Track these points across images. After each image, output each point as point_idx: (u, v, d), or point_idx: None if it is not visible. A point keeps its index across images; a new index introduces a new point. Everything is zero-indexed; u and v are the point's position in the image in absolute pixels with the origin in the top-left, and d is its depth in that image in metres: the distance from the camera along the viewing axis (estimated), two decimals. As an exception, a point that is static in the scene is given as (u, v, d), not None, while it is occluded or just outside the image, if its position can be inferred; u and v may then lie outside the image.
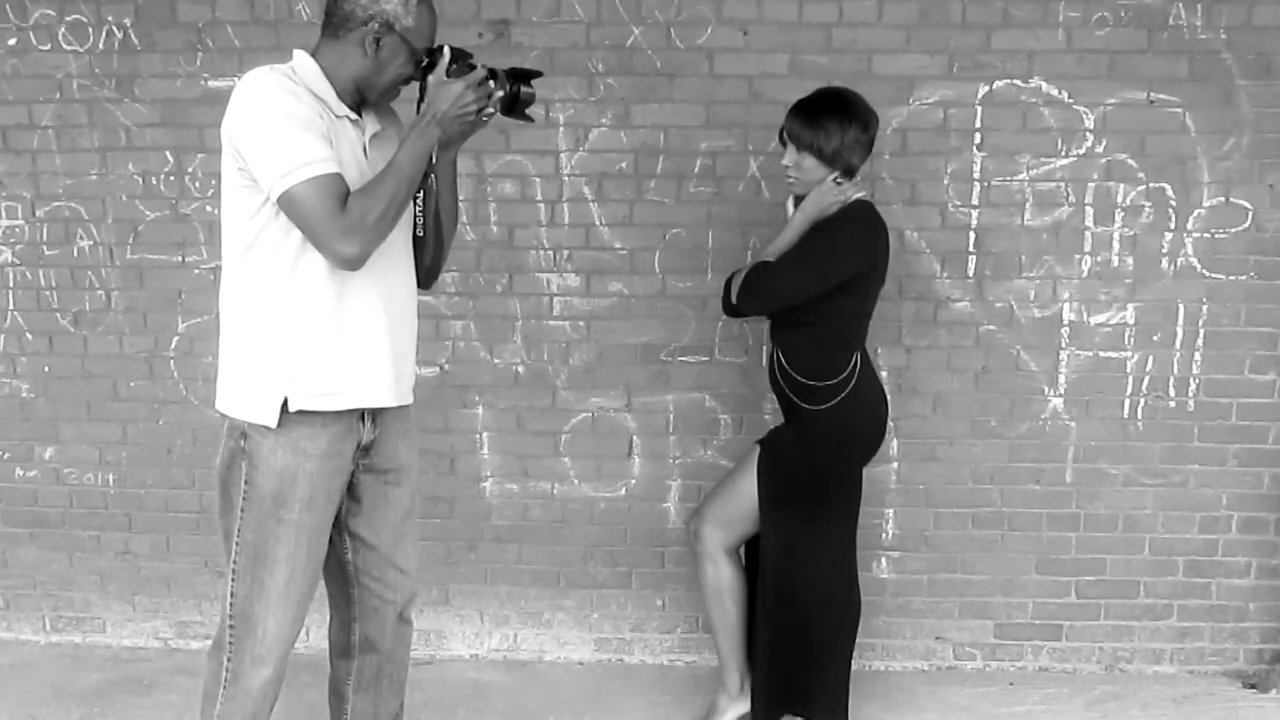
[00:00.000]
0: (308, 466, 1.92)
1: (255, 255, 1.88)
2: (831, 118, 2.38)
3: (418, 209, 2.03)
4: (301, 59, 1.91)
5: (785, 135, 2.45)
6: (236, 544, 1.95)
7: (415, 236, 2.06)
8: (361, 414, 2.00)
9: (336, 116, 1.90)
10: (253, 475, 1.91)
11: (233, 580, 1.97)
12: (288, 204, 1.79)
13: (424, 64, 1.91)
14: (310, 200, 1.78)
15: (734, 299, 2.49)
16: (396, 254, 2.01)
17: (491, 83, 1.90)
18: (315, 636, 2.85)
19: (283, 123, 1.79)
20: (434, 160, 1.97)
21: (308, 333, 1.90)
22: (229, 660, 1.98)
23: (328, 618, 2.23)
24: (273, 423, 1.89)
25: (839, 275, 2.39)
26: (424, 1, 1.90)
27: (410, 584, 2.19)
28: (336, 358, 1.92)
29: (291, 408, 1.89)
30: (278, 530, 1.92)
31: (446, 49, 1.90)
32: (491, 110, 1.92)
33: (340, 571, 2.14)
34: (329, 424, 1.94)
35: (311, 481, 1.93)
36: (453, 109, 1.85)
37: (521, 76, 1.96)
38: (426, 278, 2.15)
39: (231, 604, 1.97)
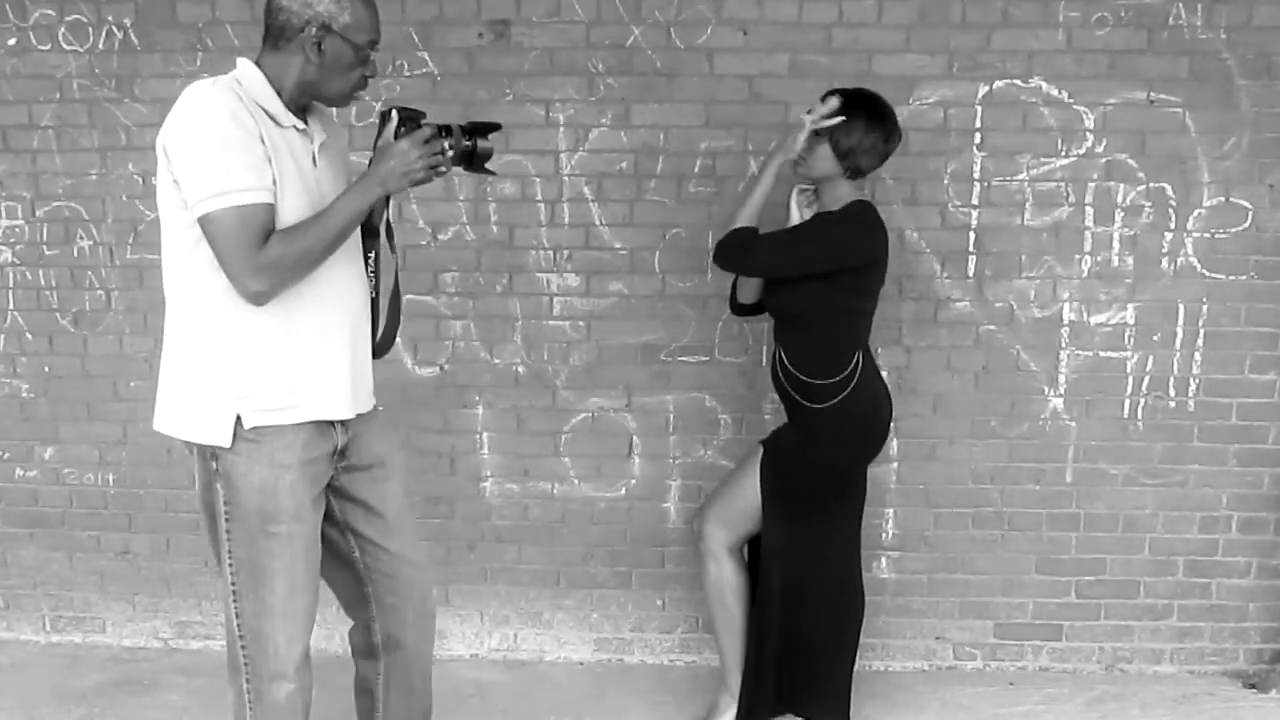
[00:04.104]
0: (287, 478, 1.88)
1: (195, 268, 1.84)
2: (860, 116, 2.39)
3: (369, 269, 2.03)
4: (246, 69, 1.87)
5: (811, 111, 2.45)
6: (231, 565, 1.92)
7: (371, 298, 2.05)
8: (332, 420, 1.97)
9: (283, 127, 1.86)
10: (232, 495, 1.88)
11: (235, 601, 1.94)
12: (206, 227, 1.76)
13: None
14: (228, 228, 1.75)
15: (714, 255, 2.49)
16: (356, 261, 2.00)
17: (446, 140, 1.87)
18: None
19: (215, 146, 1.75)
20: (388, 217, 1.95)
21: (256, 347, 1.86)
22: (248, 681, 1.97)
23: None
24: (227, 442, 1.85)
25: (819, 264, 2.39)
26: None
27: (423, 575, 2.17)
28: (287, 371, 1.88)
29: (246, 424, 1.85)
30: (269, 545, 1.89)
31: (394, 112, 1.87)
32: (443, 170, 1.90)
33: (349, 572, 2.12)
34: (299, 432, 1.90)
35: (294, 492, 1.89)
36: (399, 166, 1.83)
37: (479, 130, 1.93)
38: (380, 347, 2.10)
39: (239, 624, 1.95)
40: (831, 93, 2.43)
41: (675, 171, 2.99)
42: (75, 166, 3.08)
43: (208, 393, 1.87)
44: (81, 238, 3.12)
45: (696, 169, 2.99)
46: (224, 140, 1.75)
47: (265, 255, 1.77)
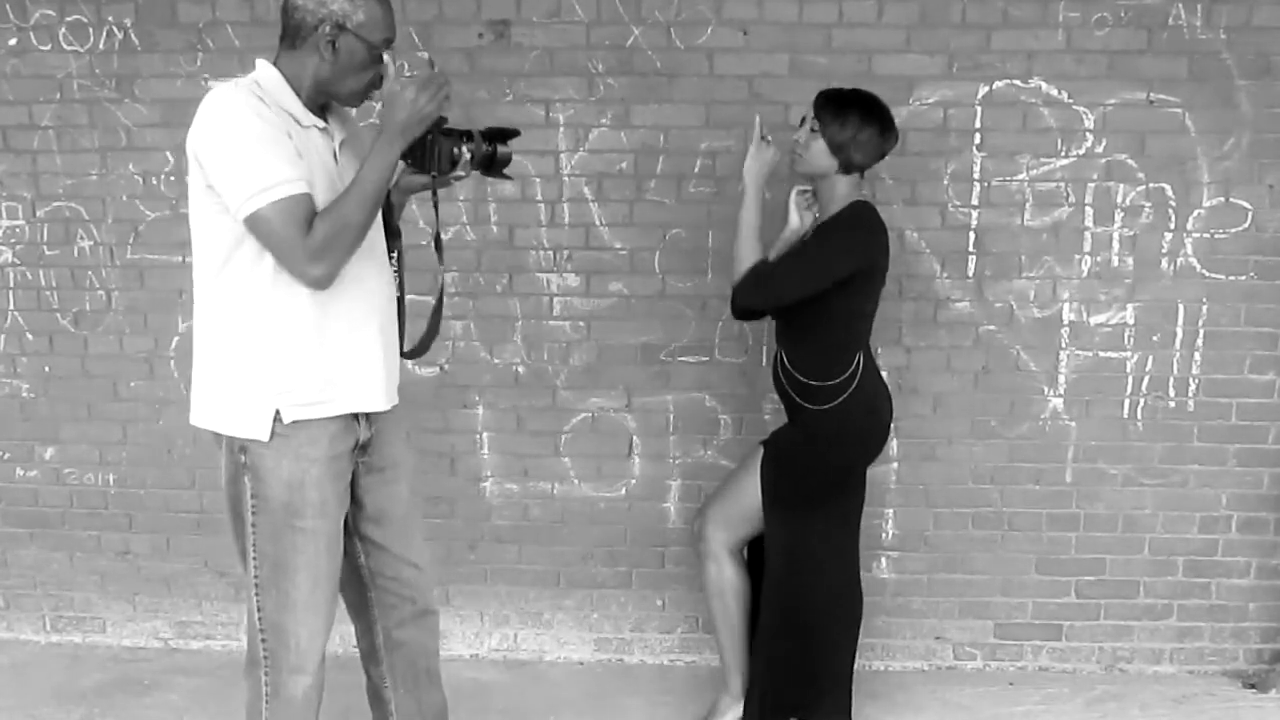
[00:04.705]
0: (313, 472, 1.91)
1: (234, 269, 1.86)
2: (855, 112, 2.40)
3: (392, 267, 2.06)
4: (265, 70, 1.89)
5: (805, 118, 2.46)
6: (255, 559, 1.94)
7: (397, 296, 2.08)
8: (357, 414, 2.00)
9: (304, 127, 1.88)
10: (259, 489, 1.90)
11: (257, 595, 1.95)
12: (254, 226, 1.79)
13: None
14: (276, 223, 1.77)
15: (734, 299, 2.49)
16: (379, 256, 2.02)
17: (466, 144, 1.92)
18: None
19: (249, 144, 1.77)
20: (437, 230, 2.02)
21: (294, 343, 1.88)
22: (266, 675, 1.98)
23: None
24: (266, 436, 1.88)
25: (837, 274, 2.39)
26: None
27: (425, 578, 2.19)
28: (324, 365, 1.91)
29: (285, 419, 1.88)
30: (294, 539, 1.92)
31: (386, 57, 1.87)
32: (461, 174, 1.94)
33: (354, 576, 2.13)
34: (327, 427, 1.93)
35: (320, 487, 1.92)
36: (408, 111, 1.83)
37: (498, 136, 1.97)
38: (415, 351, 2.13)
39: (260, 618, 1.96)
40: (822, 93, 2.44)
41: (675, 171, 2.99)
42: (75, 166, 3.08)
43: (247, 387, 1.89)
44: (81, 238, 3.12)
45: (696, 169, 2.99)
46: (257, 138, 1.78)
47: (315, 239, 1.79)
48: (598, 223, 3.03)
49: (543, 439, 3.14)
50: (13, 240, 3.14)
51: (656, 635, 3.22)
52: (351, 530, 2.08)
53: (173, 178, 3.06)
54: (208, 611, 3.28)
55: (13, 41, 3.02)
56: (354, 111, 2.08)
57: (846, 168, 2.43)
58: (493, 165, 1.98)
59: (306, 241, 1.79)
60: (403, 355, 2.13)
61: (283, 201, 1.77)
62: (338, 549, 2.00)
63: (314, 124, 1.91)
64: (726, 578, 2.61)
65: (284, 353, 1.88)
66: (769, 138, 2.49)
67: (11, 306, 3.17)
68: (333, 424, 1.94)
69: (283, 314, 1.87)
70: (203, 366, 1.95)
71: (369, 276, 1.97)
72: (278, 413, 1.88)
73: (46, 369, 3.20)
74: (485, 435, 3.14)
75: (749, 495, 2.56)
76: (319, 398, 1.91)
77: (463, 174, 1.94)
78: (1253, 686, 3.06)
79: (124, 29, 3.00)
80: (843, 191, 2.46)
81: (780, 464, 2.52)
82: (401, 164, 1.97)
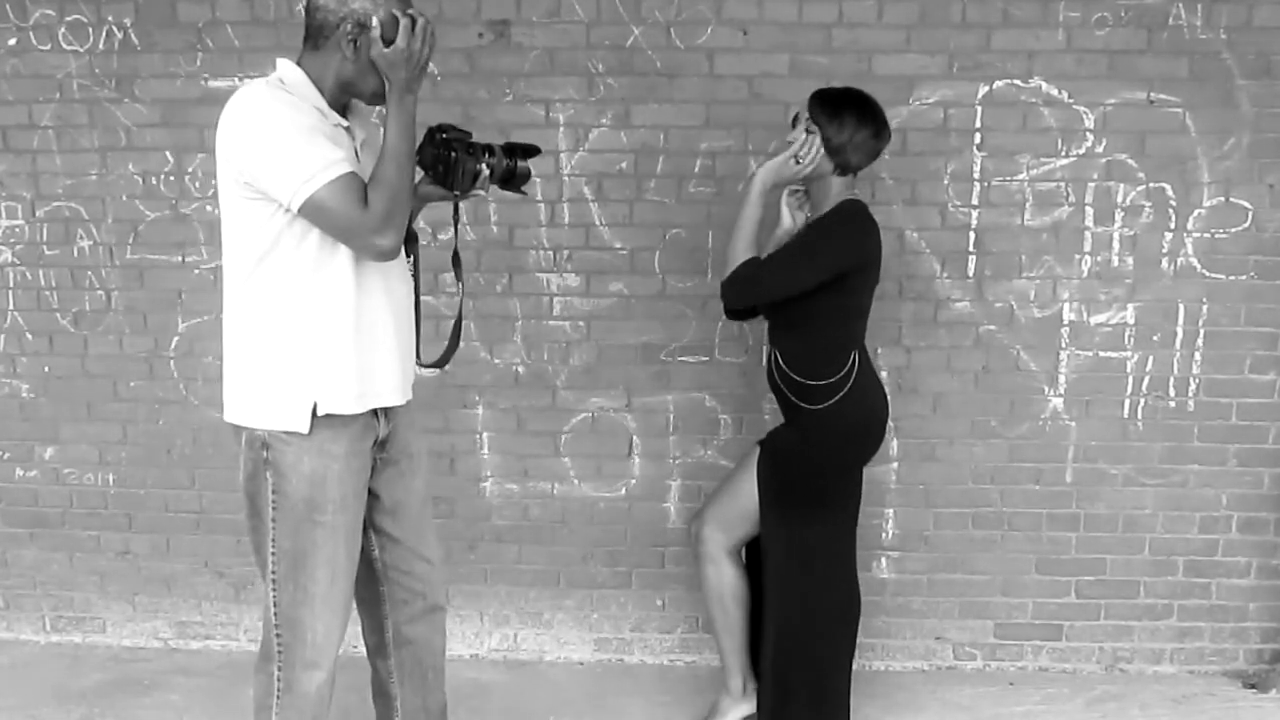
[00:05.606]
0: (335, 468, 1.92)
1: (271, 265, 1.87)
2: (851, 112, 2.40)
3: (408, 269, 2.07)
4: (288, 69, 1.90)
5: (798, 116, 2.46)
6: (273, 554, 1.94)
7: (414, 300, 2.10)
8: (375, 410, 2.01)
9: (332, 125, 1.90)
10: (281, 484, 1.91)
11: (274, 590, 1.96)
12: (313, 210, 1.80)
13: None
14: (336, 202, 1.79)
15: (723, 294, 2.49)
16: (398, 262, 2.02)
17: (487, 159, 1.97)
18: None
19: (289, 134, 1.79)
20: (456, 247, 2.08)
21: (333, 337, 1.91)
22: (279, 669, 1.98)
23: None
24: (305, 429, 1.89)
25: (828, 271, 2.38)
26: None
27: (437, 574, 2.20)
28: (358, 359, 1.94)
29: (320, 412, 1.90)
30: (314, 534, 1.93)
31: (375, 21, 1.84)
32: (481, 191, 1.98)
33: (367, 569, 2.14)
34: (349, 424, 1.95)
35: (341, 482, 1.94)
36: (410, 67, 1.83)
37: (519, 151, 2.01)
38: (442, 359, 2.15)
39: (276, 613, 1.96)
40: (815, 95, 2.44)
41: (675, 171, 2.99)
42: (75, 166, 3.08)
43: (286, 380, 1.90)
44: (81, 238, 3.12)
45: (696, 169, 2.99)
46: (296, 127, 1.80)
47: (375, 211, 1.82)
48: (598, 223, 3.03)
49: (543, 439, 3.14)
50: (13, 240, 3.14)
51: (656, 635, 3.22)
52: (366, 524, 2.09)
53: (172, 178, 3.06)
54: (207, 611, 3.28)
55: (12, 41, 3.03)
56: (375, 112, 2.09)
57: (843, 169, 2.43)
58: (511, 180, 2.02)
59: (368, 216, 1.81)
60: (423, 365, 2.15)
61: (337, 182, 1.79)
62: (356, 544, 2.01)
63: (339, 123, 1.92)
64: (725, 580, 2.61)
65: (324, 345, 1.90)
66: (800, 158, 2.41)
67: (11, 306, 3.17)
68: (356, 420, 1.96)
69: (322, 307, 1.89)
70: (236, 361, 1.96)
71: (392, 274, 1.99)
72: (315, 406, 1.90)
73: (46, 369, 3.20)
74: (485, 435, 3.14)
75: (746, 496, 2.55)
76: (354, 391, 1.93)
77: (482, 191, 1.98)
78: (1253, 686, 3.06)
79: (124, 29, 3.00)
80: (836, 191, 2.46)
81: (777, 464, 2.52)
82: (421, 173, 1.99)
